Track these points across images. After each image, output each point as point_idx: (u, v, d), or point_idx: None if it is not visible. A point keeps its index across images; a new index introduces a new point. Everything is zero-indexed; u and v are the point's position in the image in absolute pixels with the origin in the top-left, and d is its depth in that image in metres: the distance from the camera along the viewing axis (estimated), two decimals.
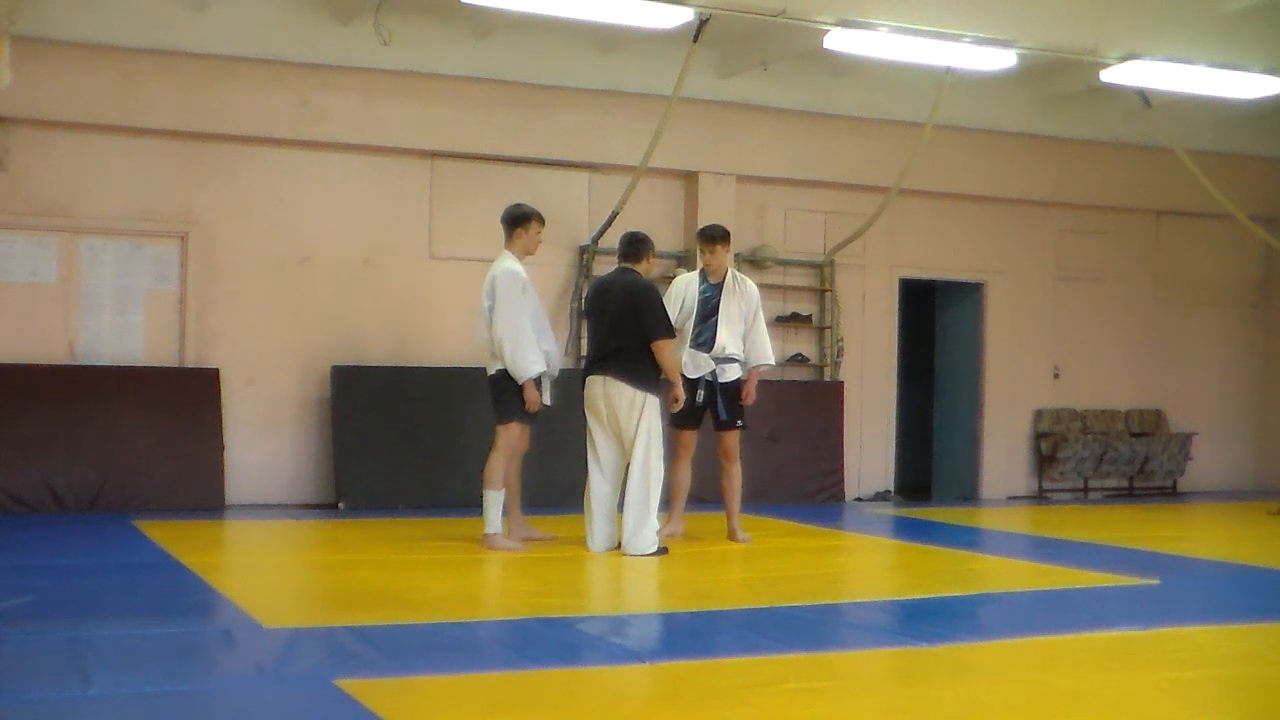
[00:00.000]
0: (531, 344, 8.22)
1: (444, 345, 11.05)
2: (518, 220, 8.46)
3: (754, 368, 8.92)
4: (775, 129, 12.14)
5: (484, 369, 8.45)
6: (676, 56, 10.26)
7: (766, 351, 8.94)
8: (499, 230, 8.49)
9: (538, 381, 8.28)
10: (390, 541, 8.67)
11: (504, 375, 8.27)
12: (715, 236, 8.93)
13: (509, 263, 8.34)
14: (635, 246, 8.51)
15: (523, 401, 8.25)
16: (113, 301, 10.40)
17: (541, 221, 8.53)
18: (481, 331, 8.36)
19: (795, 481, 11.98)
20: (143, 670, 4.92)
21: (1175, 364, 14.24)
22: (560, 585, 7.28)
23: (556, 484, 10.53)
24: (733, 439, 8.92)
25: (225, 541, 9.22)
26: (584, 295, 10.00)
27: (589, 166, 11.67)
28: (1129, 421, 13.96)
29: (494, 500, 8.28)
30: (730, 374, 8.86)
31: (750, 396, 8.89)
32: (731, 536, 8.96)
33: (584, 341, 9.76)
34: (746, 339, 8.89)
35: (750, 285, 9.01)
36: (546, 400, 8.44)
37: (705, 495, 9.86)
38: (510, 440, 8.34)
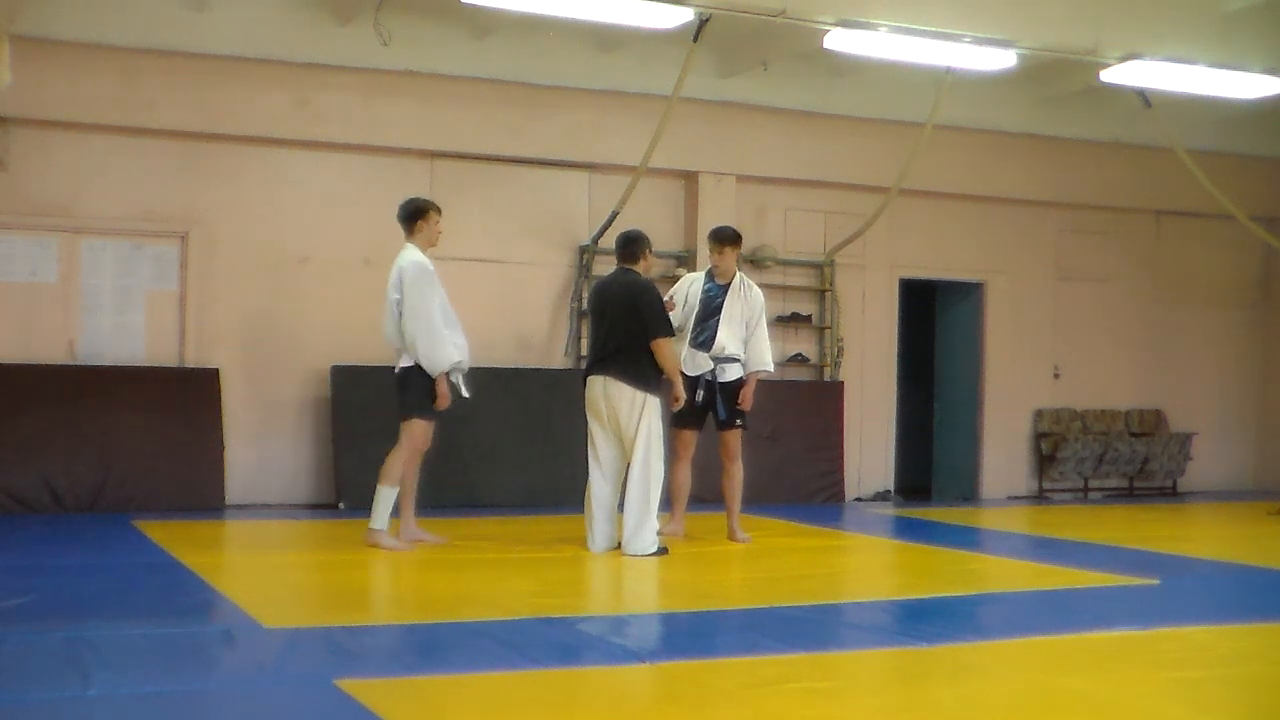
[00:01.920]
0: (444, 336, 8.10)
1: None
2: (415, 214, 8.32)
3: (753, 372, 8.91)
4: (775, 129, 12.14)
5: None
6: (676, 56, 10.26)
7: (767, 358, 8.93)
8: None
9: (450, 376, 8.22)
10: None
11: (413, 370, 8.13)
12: (725, 239, 8.93)
13: (414, 254, 8.21)
14: (631, 246, 8.50)
15: (431, 397, 8.13)
16: (113, 301, 10.40)
17: (439, 212, 8.39)
18: (389, 327, 8.19)
19: (795, 481, 11.98)
20: (143, 670, 4.92)
21: (1175, 364, 14.24)
22: (560, 585, 7.27)
23: (556, 484, 10.53)
24: (734, 438, 8.92)
25: (225, 541, 9.22)
26: (584, 296, 10.00)
27: (589, 166, 11.67)
28: (1129, 421, 13.95)
29: (386, 496, 8.17)
30: (730, 374, 8.85)
31: (747, 401, 8.87)
32: (731, 536, 8.96)
33: (584, 341, 9.76)
34: (747, 344, 8.88)
35: (756, 291, 8.99)
36: (464, 393, 8.34)
37: (705, 495, 9.85)
38: (415, 437, 8.24)
